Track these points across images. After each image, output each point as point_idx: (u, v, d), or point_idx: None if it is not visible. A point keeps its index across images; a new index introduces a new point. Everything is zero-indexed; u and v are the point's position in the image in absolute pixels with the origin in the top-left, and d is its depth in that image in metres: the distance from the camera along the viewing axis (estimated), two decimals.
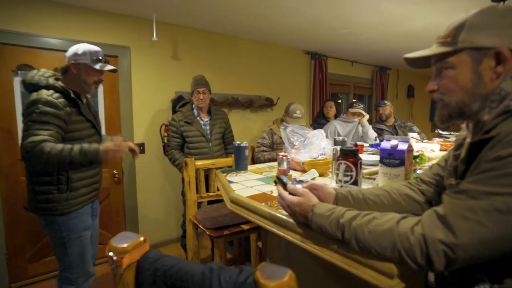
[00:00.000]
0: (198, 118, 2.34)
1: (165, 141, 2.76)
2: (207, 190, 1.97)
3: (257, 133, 3.48)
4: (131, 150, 1.45)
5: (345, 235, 0.66)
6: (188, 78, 2.85)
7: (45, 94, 1.33)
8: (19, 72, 2.23)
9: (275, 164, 1.79)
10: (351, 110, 2.89)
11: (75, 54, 1.44)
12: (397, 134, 3.11)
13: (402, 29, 3.00)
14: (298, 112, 2.34)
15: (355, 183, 0.95)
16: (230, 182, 1.29)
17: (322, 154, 1.55)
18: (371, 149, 2.11)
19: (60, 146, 1.28)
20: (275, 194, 1.11)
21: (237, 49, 3.28)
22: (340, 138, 1.90)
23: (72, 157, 1.28)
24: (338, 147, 1.12)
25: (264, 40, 3.46)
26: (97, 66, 1.45)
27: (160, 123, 2.69)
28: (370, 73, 4.90)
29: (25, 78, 1.39)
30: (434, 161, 1.72)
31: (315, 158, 1.54)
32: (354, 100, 3.42)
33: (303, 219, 0.78)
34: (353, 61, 4.51)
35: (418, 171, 1.27)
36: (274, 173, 1.51)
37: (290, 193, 0.81)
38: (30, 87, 1.38)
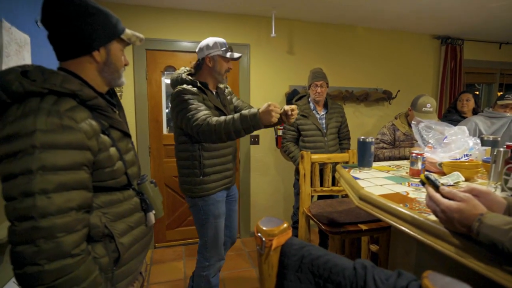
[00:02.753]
0: (314, 112, 2.32)
1: (278, 134, 2.87)
2: (321, 185, 1.94)
3: (371, 129, 3.23)
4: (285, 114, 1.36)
5: None
6: (301, 72, 2.87)
7: (182, 86, 1.53)
8: (165, 72, 2.70)
9: (400, 163, 1.61)
10: (500, 102, 2.27)
11: (208, 48, 1.54)
12: None
13: None
14: (428, 105, 2.03)
15: None
16: (355, 178, 1.23)
17: (467, 156, 1.30)
18: None
19: (222, 117, 1.33)
20: (412, 195, 0.99)
21: (353, 40, 3.09)
22: (490, 137, 1.56)
23: (235, 125, 1.29)
24: (502, 149, 0.91)
25: (383, 28, 3.14)
26: (228, 55, 1.55)
27: None
28: None
29: (170, 78, 1.65)
30: None
31: (457, 159, 1.30)
32: (500, 93, 2.72)
33: (462, 229, 0.66)
34: (502, 43, 3.63)
35: None
36: (402, 172, 1.36)
37: (444, 197, 0.70)
38: (172, 83, 1.62)
